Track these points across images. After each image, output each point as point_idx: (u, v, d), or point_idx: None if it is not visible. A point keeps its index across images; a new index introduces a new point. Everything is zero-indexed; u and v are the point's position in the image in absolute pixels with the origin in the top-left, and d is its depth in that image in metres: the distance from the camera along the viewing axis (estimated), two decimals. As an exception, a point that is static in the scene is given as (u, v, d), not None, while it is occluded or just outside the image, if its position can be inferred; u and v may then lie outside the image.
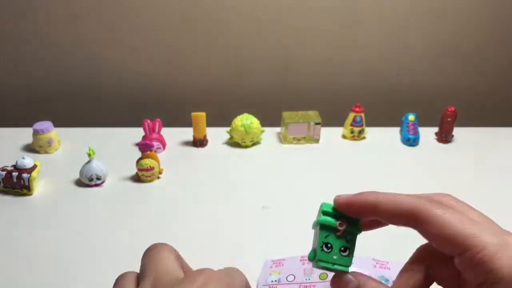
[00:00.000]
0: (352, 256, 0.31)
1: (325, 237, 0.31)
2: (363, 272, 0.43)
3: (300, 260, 0.51)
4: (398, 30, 0.94)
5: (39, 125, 0.78)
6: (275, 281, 0.49)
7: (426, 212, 0.26)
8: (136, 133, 0.83)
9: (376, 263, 0.51)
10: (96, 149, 0.70)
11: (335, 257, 0.31)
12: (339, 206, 0.29)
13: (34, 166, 0.68)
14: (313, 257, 0.31)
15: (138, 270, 0.30)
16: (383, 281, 0.46)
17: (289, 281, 0.48)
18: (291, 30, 0.93)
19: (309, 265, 0.49)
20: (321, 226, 0.31)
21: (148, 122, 0.81)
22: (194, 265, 0.29)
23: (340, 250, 0.32)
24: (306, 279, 0.47)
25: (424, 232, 0.26)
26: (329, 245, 0.31)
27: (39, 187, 0.70)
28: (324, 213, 0.31)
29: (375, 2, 0.91)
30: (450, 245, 0.25)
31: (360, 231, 0.32)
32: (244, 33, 0.93)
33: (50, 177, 0.72)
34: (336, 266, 0.31)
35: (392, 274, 0.49)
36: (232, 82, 0.99)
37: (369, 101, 1.00)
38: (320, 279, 0.47)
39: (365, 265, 0.50)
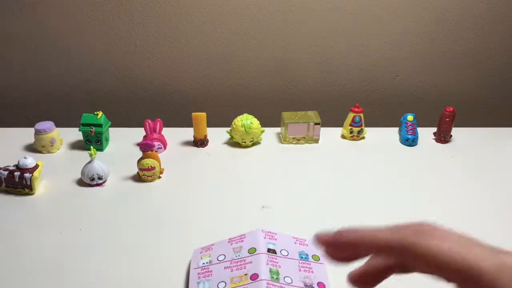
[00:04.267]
0: (106, 144, 0.81)
1: (86, 136, 0.79)
2: (286, 247, 0.49)
3: (228, 242, 0.54)
4: (397, 31, 0.95)
5: (41, 125, 0.78)
6: (207, 263, 0.51)
7: (417, 246, 0.25)
8: (137, 133, 0.83)
9: (296, 240, 0.55)
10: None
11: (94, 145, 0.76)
12: (321, 244, 0.29)
13: (36, 166, 0.69)
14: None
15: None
16: (303, 256, 0.50)
17: (220, 260, 0.50)
18: (291, 31, 0.94)
19: (237, 244, 0.52)
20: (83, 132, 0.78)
21: (149, 122, 0.82)
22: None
23: (96, 142, 0.79)
24: (236, 256, 0.51)
25: (416, 265, 0.26)
26: (89, 140, 0.78)
27: (41, 186, 0.70)
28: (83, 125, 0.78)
29: (375, 4, 0.91)
30: (448, 275, 0.25)
31: (104, 127, 0.79)
32: (245, 34, 0.94)
33: (52, 176, 0.73)
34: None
35: (310, 250, 0.54)
36: (232, 82, 0.99)
37: (368, 101, 1.01)
38: (249, 253, 0.50)
39: (287, 242, 0.54)
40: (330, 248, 0.28)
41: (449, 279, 0.25)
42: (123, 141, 0.84)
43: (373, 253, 0.27)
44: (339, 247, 0.28)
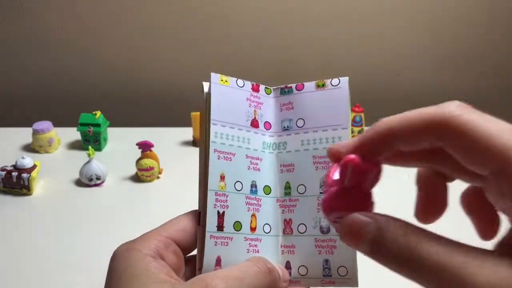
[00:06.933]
0: (104, 144, 0.80)
1: (84, 136, 0.78)
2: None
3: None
4: (398, 30, 0.94)
5: (38, 124, 0.78)
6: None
7: (458, 122, 0.21)
8: (136, 133, 0.83)
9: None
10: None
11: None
12: (350, 151, 0.24)
13: (34, 166, 0.68)
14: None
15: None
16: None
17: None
18: (291, 31, 0.93)
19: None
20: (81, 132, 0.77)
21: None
22: (194, 266, 0.29)
23: (94, 142, 0.78)
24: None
25: (453, 146, 0.21)
26: (87, 140, 0.78)
27: (39, 187, 0.70)
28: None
29: (375, 3, 0.91)
30: (485, 159, 0.20)
31: (102, 127, 0.78)
32: (245, 34, 0.93)
33: (50, 177, 0.72)
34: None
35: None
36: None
37: (369, 101, 1.00)
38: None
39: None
40: (363, 149, 0.23)
41: (486, 166, 0.20)
42: (122, 141, 0.83)
43: (410, 140, 0.23)
44: (371, 145, 0.23)
